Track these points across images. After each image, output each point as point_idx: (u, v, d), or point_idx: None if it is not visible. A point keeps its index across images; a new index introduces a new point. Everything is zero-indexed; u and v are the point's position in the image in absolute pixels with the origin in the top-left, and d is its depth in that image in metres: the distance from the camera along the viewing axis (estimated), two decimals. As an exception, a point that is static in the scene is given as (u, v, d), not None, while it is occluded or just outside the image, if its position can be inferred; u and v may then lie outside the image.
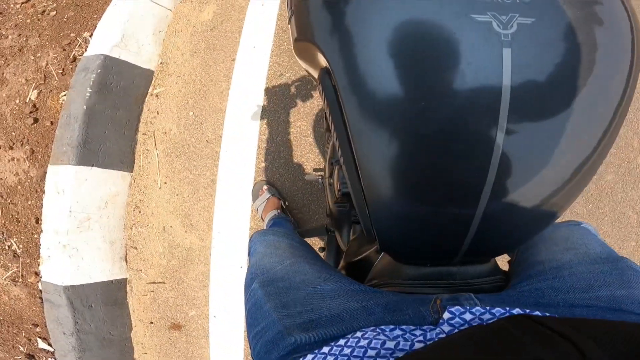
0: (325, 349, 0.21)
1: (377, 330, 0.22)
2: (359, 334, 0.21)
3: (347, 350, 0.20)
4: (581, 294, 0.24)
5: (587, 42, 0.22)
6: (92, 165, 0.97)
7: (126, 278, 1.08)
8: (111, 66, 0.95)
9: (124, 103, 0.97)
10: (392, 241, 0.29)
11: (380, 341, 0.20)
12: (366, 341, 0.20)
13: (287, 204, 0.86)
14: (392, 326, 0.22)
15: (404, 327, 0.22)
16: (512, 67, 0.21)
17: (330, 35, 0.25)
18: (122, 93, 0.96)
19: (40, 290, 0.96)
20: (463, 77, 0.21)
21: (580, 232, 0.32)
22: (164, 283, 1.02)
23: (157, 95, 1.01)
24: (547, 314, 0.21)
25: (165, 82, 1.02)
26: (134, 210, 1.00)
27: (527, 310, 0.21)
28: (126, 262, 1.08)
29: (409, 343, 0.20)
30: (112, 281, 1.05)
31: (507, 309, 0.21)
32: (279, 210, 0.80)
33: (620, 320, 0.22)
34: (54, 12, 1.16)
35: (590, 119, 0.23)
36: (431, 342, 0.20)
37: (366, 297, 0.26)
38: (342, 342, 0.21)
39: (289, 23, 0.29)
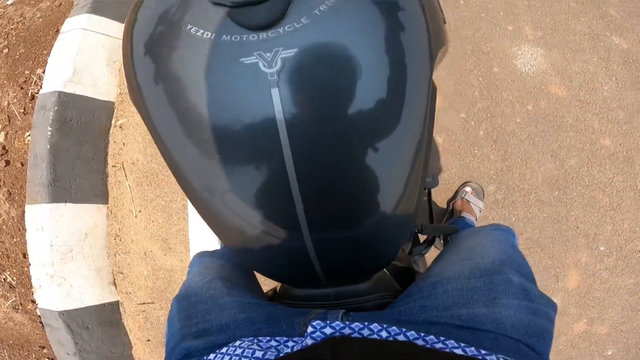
0: (211, 356, 0.23)
1: (254, 340, 0.23)
2: (237, 342, 0.23)
3: (226, 358, 0.22)
4: (444, 312, 0.25)
5: (353, 60, 0.22)
6: (66, 202, 0.97)
7: (118, 300, 1.11)
8: (68, 102, 0.93)
9: (88, 138, 0.95)
10: (254, 265, 0.30)
11: (251, 351, 0.22)
12: (241, 350, 0.22)
13: None
14: (268, 337, 0.24)
15: (278, 338, 0.24)
16: (282, 105, 0.22)
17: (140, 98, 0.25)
18: (84, 128, 0.94)
19: (39, 316, 1.01)
20: (243, 124, 0.22)
21: (490, 238, 0.32)
22: (153, 303, 1.06)
23: (120, 127, 0.99)
24: (392, 333, 0.21)
25: (127, 112, 1.00)
26: (114, 239, 1.02)
27: (373, 326, 0.22)
28: (115, 286, 1.11)
29: (275, 354, 0.22)
30: (104, 304, 1.09)
31: (366, 324, 0.22)
32: None
33: (473, 336, 0.23)
34: (7, 50, 1.12)
35: (378, 131, 0.23)
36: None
37: (255, 310, 0.28)
38: (224, 349, 0.23)
39: None
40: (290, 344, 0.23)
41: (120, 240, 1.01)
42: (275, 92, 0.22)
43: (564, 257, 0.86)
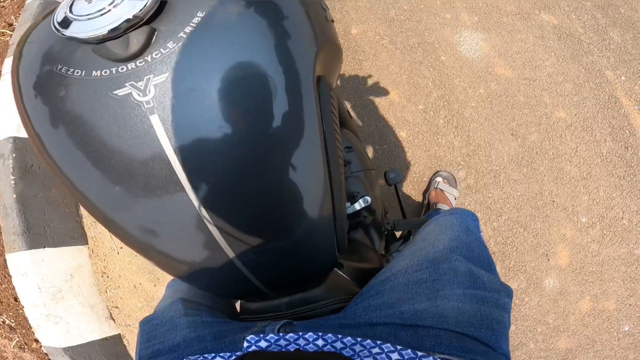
0: None
1: (200, 358, 0.23)
2: None
3: None
4: (386, 311, 0.24)
5: (225, 74, 0.22)
6: (44, 247, 0.93)
7: (119, 333, 1.10)
8: (25, 147, 0.86)
9: (53, 182, 0.89)
10: (204, 286, 0.29)
11: None
12: None
13: None
14: (213, 354, 0.23)
15: (222, 354, 0.23)
16: (165, 130, 0.21)
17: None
18: (47, 173, 0.88)
19: (47, 354, 1.00)
20: (132, 155, 0.21)
21: (443, 225, 0.30)
22: (154, 332, 1.06)
23: None
24: (328, 341, 0.21)
25: None
26: (102, 277, 1.00)
27: (308, 336, 0.21)
28: (113, 320, 1.10)
29: None
30: (106, 338, 1.07)
31: (300, 334, 0.21)
32: None
33: (415, 335, 0.22)
34: None
35: (268, 140, 0.23)
36: None
37: (206, 328, 0.28)
38: None
39: None
40: (232, 357, 0.22)
41: (107, 277, 0.99)
42: (154, 118, 0.21)
43: (548, 234, 0.85)
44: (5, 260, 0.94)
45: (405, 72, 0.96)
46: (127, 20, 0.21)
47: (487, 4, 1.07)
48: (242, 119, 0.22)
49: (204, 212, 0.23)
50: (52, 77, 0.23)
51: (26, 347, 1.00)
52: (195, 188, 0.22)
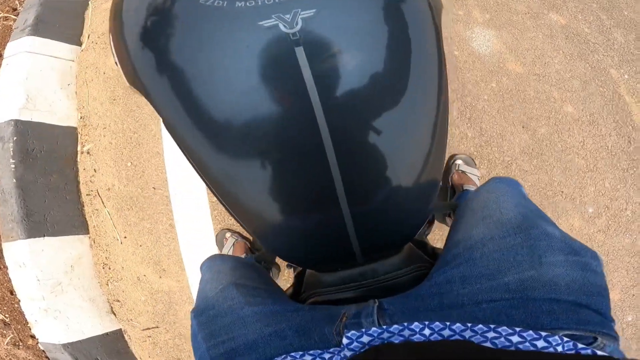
0: None
1: (288, 357, 0.22)
2: None
3: None
4: (488, 283, 0.21)
5: (376, 14, 0.21)
6: (44, 236, 0.88)
7: (120, 329, 1.05)
8: (26, 131, 0.81)
9: (54, 167, 0.84)
10: (286, 252, 0.28)
11: None
12: None
13: (252, 240, 0.81)
14: (301, 352, 0.22)
15: (312, 352, 0.22)
16: (308, 63, 0.20)
17: (155, 85, 0.22)
18: (48, 157, 0.83)
19: (43, 351, 0.95)
20: (271, 88, 0.21)
21: (497, 192, 0.28)
22: (157, 327, 1.00)
23: (88, 152, 0.88)
24: (435, 329, 0.18)
25: (92, 136, 0.89)
26: (103, 268, 0.95)
27: (414, 326, 0.19)
28: (114, 314, 1.05)
29: None
30: (107, 334, 1.02)
31: (406, 324, 0.19)
32: (246, 254, 0.76)
33: (526, 311, 0.19)
34: None
35: (406, 87, 0.22)
36: None
37: (282, 320, 0.25)
38: None
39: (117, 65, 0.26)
40: (326, 356, 0.21)
41: (109, 268, 0.95)
42: (299, 50, 0.21)
43: (557, 224, 0.87)
44: (1, 251, 0.88)
45: None
46: None
47: (497, 2, 1.08)
48: (387, 61, 0.21)
49: (332, 157, 0.22)
50: (190, 11, 0.22)
51: (21, 343, 0.95)
52: (329, 122, 0.21)
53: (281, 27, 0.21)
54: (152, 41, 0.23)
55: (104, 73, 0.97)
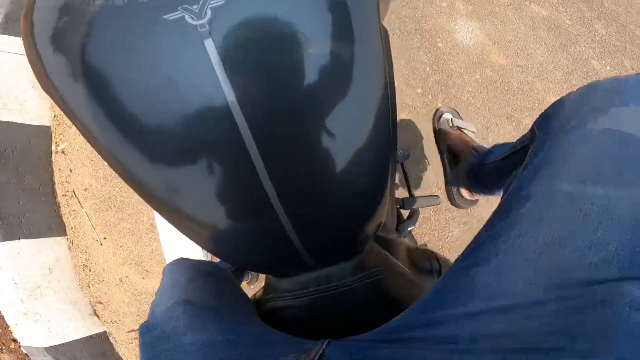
0: None
1: None
2: None
3: None
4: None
5: (301, 6, 0.19)
6: (19, 238, 0.85)
7: (105, 331, 1.03)
8: None
9: (28, 168, 0.81)
10: (233, 258, 0.27)
11: None
12: None
13: None
14: None
15: None
16: (219, 56, 0.18)
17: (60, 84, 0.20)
18: (21, 158, 0.80)
19: (27, 354, 0.92)
20: (180, 88, 0.18)
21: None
22: (141, 328, 1.00)
23: (63, 152, 0.85)
24: None
25: (66, 135, 0.86)
26: (83, 270, 0.92)
27: None
28: (98, 317, 1.02)
29: None
30: (91, 336, 1.00)
31: None
32: None
33: None
34: None
35: (335, 79, 0.20)
36: None
37: (223, 352, 0.22)
38: None
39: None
40: None
41: (90, 270, 0.92)
42: (208, 43, 0.18)
43: None
44: None
45: (404, 56, 0.96)
46: None
47: None
48: (309, 51, 0.19)
49: (257, 158, 0.19)
50: (87, 12, 0.19)
51: (4, 347, 0.92)
52: (247, 118, 0.19)
53: (187, 19, 0.19)
54: (58, 42, 0.21)
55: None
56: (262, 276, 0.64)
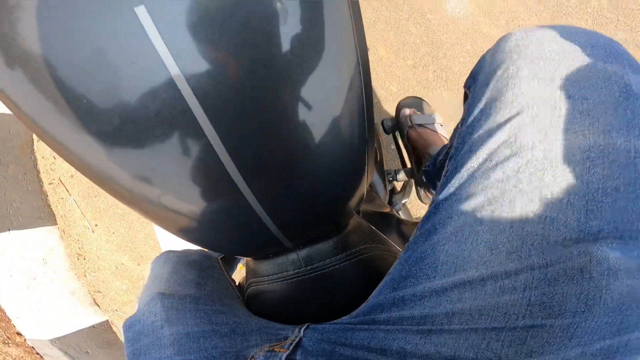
0: None
1: None
2: None
3: None
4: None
5: None
6: (9, 230, 0.85)
7: (107, 320, 1.05)
8: None
9: (10, 158, 0.78)
10: (205, 242, 0.24)
11: None
12: None
13: None
14: None
15: None
16: (154, 23, 0.15)
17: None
18: (2, 147, 0.77)
19: (32, 347, 0.94)
20: (114, 61, 0.16)
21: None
22: (142, 314, 1.01)
23: None
24: None
25: None
26: (78, 259, 0.93)
27: None
28: (98, 306, 1.04)
29: None
30: (94, 326, 1.02)
31: None
32: None
33: None
34: None
35: (297, 51, 0.17)
36: None
37: (193, 347, 0.22)
38: None
39: None
40: None
41: (84, 259, 0.92)
42: (140, 10, 0.15)
43: None
44: None
45: (393, 28, 0.94)
46: None
47: None
48: (268, 19, 0.16)
49: (212, 134, 0.17)
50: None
51: (9, 341, 0.93)
52: (202, 102, 0.16)
53: None
54: None
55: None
56: None
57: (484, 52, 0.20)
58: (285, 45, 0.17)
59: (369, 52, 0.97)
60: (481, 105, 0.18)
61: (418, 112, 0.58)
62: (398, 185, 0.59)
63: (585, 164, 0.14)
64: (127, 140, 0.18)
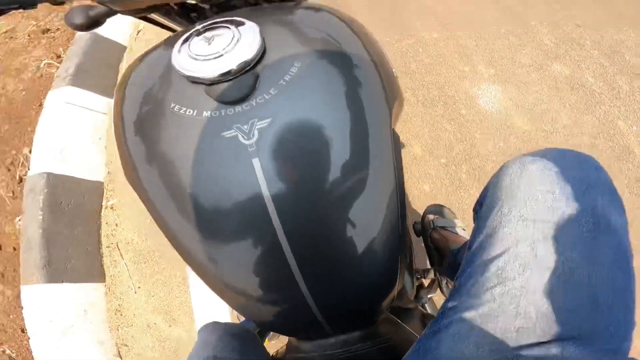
0: None
1: None
2: None
3: None
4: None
5: (321, 121, 0.24)
6: (62, 282, 0.92)
7: (125, 371, 1.07)
8: (56, 184, 0.88)
9: (79, 220, 0.89)
10: (260, 321, 0.30)
11: None
12: None
13: None
14: None
15: None
16: (264, 173, 0.23)
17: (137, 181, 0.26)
18: (75, 210, 0.88)
19: None
20: (231, 194, 0.23)
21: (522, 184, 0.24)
22: (163, 373, 1.02)
23: (112, 207, 0.94)
24: None
25: (117, 192, 0.95)
26: (115, 314, 0.98)
27: None
28: (121, 358, 1.07)
29: None
30: None
31: None
32: None
33: None
34: None
35: (353, 184, 0.24)
36: None
37: None
38: None
39: None
40: None
41: (121, 314, 0.97)
42: (256, 162, 0.23)
43: None
44: (19, 293, 0.93)
45: (428, 125, 0.98)
46: (239, 65, 0.23)
47: (502, 56, 1.12)
48: (334, 162, 0.24)
49: (286, 246, 0.24)
50: (165, 114, 0.25)
51: None
52: (283, 223, 0.23)
53: (240, 138, 0.23)
54: (139, 123, 0.26)
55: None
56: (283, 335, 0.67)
57: (517, 149, 0.25)
58: (347, 186, 0.24)
59: (404, 150, 1.03)
60: (481, 237, 0.25)
61: (439, 217, 0.68)
62: (425, 281, 0.61)
63: (552, 290, 0.21)
64: (222, 234, 0.24)
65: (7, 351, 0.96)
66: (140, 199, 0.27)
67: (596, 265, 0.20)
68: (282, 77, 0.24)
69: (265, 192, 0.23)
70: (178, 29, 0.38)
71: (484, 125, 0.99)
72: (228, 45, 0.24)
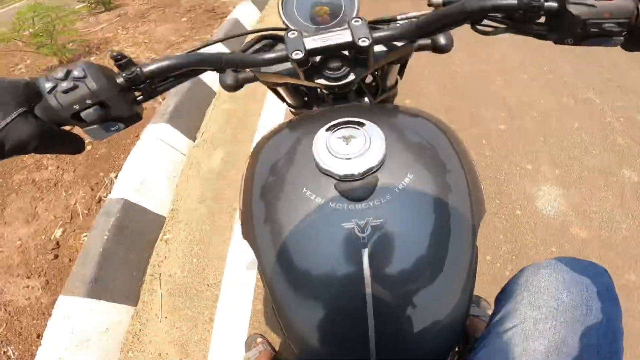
0: None
1: None
2: None
3: None
4: None
5: (427, 229, 0.28)
6: (100, 299, 0.96)
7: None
8: (129, 211, 0.99)
9: (136, 247, 0.99)
10: None
11: None
12: None
13: (277, 352, 0.84)
14: None
15: None
16: (369, 261, 0.27)
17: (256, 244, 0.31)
18: (135, 237, 0.98)
19: None
20: (338, 271, 0.27)
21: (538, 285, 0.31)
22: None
23: (166, 241, 1.03)
24: None
25: (174, 229, 1.05)
26: (132, 337, 1.00)
27: None
28: (119, 380, 1.07)
29: None
30: None
31: None
32: None
33: None
34: (89, 147, 1.24)
35: (439, 278, 0.28)
36: None
37: None
38: None
39: None
40: None
41: (138, 339, 1.01)
42: (365, 251, 0.27)
43: None
44: (54, 301, 0.99)
45: None
46: (368, 169, 0.28)
47: (569, 156, 1.06)
48: (425, 259, 0.28)
49: (372, 332, 0.27)
50: (296, 193, 0.30)
51: None
52: (375, 306, 0.27)
53: (356, 230, 0.27)
54: (264, 189, 0.31)
55: (202, 173, 1.15)
56: None
57: (570, 255, 0.31)
58: (429, 278, 0.28)
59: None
60: (498, 316, 0.32)
61: (476, 307, 0.74)
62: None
63: (548, 354, 0.27)
64: (317, 302, 0.28)
65: (10, 352, 1.00)
66: (253, 250, 0.32)
67: (585, 337, 0.27)
68: (397, 185, 0.29)
69: (367, 274, 0.27)
70: (289, 101, 0.46)
71: (538, 229, 0.93)
72: (362, 148, 0.29)
